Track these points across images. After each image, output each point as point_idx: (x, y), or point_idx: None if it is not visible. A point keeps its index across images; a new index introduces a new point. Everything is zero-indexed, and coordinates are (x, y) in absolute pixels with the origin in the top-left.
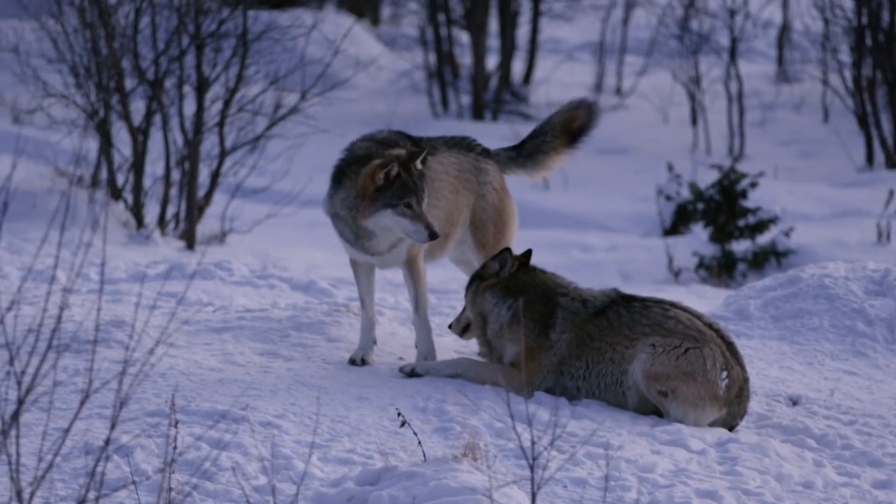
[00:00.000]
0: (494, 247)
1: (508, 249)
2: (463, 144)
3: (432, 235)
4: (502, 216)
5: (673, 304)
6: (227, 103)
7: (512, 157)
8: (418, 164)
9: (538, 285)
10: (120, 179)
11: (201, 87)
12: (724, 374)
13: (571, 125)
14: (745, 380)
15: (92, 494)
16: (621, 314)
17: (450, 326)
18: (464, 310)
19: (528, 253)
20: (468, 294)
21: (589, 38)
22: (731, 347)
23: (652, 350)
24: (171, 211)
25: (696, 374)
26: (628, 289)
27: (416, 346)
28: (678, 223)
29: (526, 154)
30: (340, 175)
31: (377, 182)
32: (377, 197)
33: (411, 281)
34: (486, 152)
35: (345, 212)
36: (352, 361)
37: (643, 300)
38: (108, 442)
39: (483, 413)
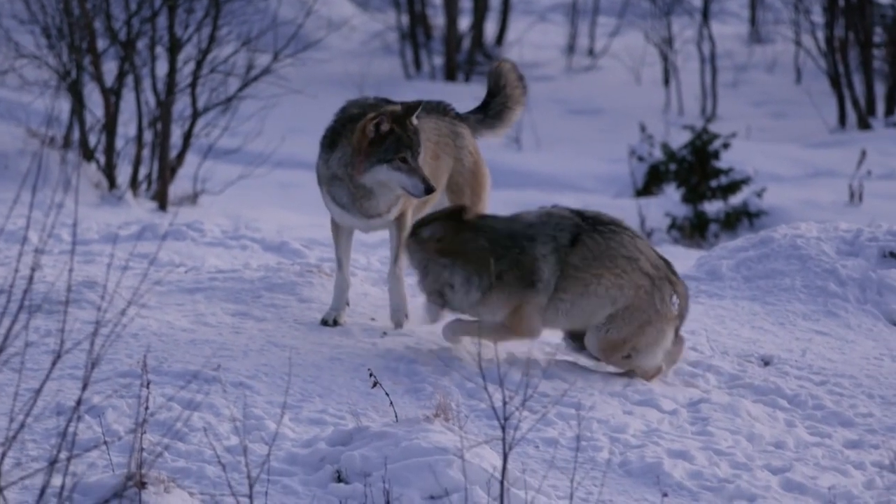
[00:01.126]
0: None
1: (438, 219)
2: (439, 109)
3: (428, 189)
4: (478, 179)
5: (623, 228)
6: (199, 64)
7: (480, 120)
8: (414, 120)
9: (495, 238)
10: (92, 140)
11: (173, 47)
12: (674, 298)
13: (520, 75)
14: (683, 284)
15: (63, 454)
16: (598, 241)
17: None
18: None
19: (462, 208)
20: (408, 251)
21: None
22: (667, 263)
23: (607, 323)
24: (143, 172)
25: (651, 319)
26: None
27: (392, 305)
28: (650, 184)
29: (493, 114)
30: (335, 136)
31: (369, 136)
32: (371, 152)
33: (397, 233)
34: (459, 116)
35: (342, 170)
36: (324, 322)
37: (604, 222)
38: (79, 402)
39: (454, 373)
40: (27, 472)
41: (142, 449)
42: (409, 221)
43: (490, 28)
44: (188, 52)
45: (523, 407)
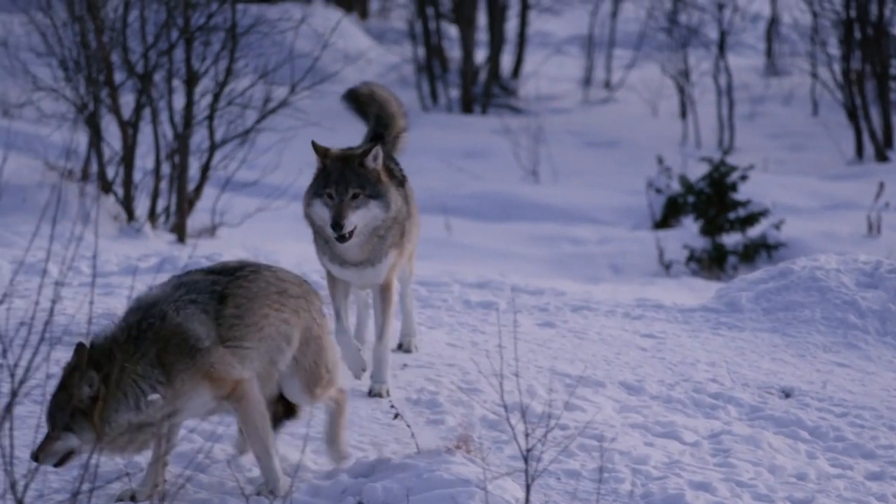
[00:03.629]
0: (414, 244)
1: (90, 373)
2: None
3: (335, 226)
4: (416, 223)
5: (258, 266)
6: (216, 97)
7: (388, 154)
8: (368, 162)
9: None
10: (110, 173)
11: (191, 80)
12: (324, 309)
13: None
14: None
15: (86, 486)
16: (245, 286)
17: (35, 457)
18: (53, 436)
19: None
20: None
21: (578, 31)
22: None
23: (295, 365)
24: (161, 204)
25: (320, 333)
26: (620, 281)
27: (371, 377)
28: (669, 216)
29: (390, 147)
30: None
31: (317, 169)
32: (312, 185)
33: (381, 307)
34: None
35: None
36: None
37: (239, 268)
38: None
39: (476, 405)
40: None
41: (164, 481)
42: (394, 296)
43: (506, 61)
44: (205, 84)
45: (545, 439)
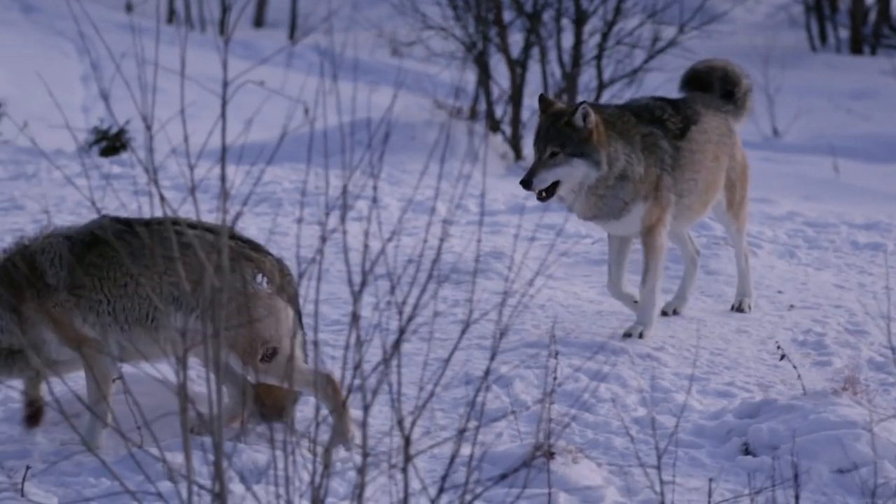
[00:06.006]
0: (740, 205)
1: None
2: (715, 105)
3: (523, 183)
4: (745, 174)
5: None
6: (604, 36)
7: (731, 111)
8: (578, 120)
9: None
10: (498, 112)
11: (579, 19)
12: (259, 276)
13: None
14: (273, 261)
15: (472, 424)
16: (130, 242)
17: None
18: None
19: None
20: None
21: None
22: (247, 242)
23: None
24: None
25: (249, 303)
26: None
27: (637, 318)
28: None
29: (740, 104)
30: None
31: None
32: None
33: (645, 254)
34: (729, 112)
35: None
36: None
37: (142, 222)
38: (487, 372)
39: (863, 347)
40: (436, 440)
41: (549, 419)
42: (660, 243)
43: None
44: (594, 24)
45: None
